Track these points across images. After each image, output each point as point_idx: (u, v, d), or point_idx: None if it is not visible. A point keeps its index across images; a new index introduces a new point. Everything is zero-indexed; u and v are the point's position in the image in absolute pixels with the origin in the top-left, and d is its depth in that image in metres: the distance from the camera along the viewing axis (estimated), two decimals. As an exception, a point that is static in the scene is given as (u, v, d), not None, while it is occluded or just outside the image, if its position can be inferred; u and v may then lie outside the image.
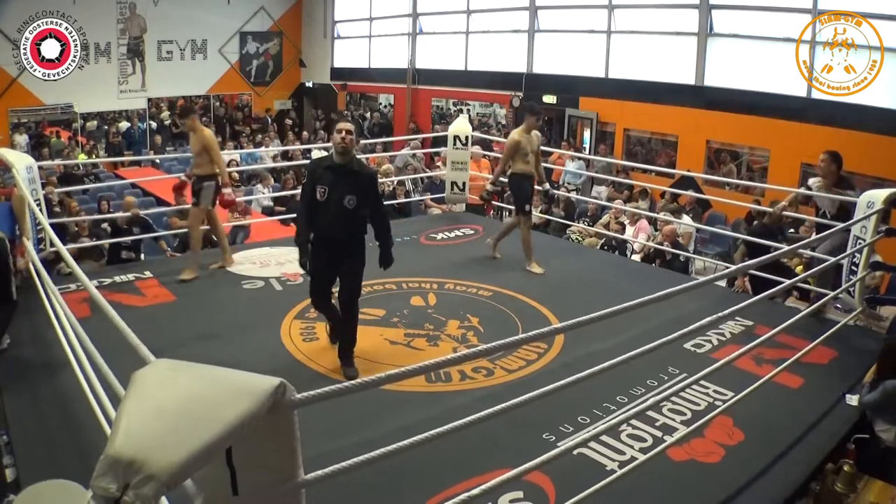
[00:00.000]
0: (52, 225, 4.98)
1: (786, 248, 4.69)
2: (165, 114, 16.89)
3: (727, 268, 5.42)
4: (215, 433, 1.42)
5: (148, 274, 5.82)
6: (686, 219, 8.42)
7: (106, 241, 7.00)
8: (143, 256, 7.04)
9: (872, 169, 8.06)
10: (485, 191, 6.54)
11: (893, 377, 3.77)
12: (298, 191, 9.35)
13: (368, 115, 16.45)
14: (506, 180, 6.37)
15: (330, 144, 4.26)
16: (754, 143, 10.03)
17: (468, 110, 14.80)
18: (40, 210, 5.21)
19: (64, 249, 3.58)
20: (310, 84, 18.14)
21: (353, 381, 1.93)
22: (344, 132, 4.00)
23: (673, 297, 2.92)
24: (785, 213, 5.77)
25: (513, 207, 9.85)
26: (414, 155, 11.38)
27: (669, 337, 2.89)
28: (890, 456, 3.64)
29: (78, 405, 3.41)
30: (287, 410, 1.65)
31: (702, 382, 3.83)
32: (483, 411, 2.35)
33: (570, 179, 10.84)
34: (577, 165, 10.86)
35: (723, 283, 6.63)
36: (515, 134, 6.14)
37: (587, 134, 12.29)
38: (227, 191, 5.83)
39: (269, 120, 17.02)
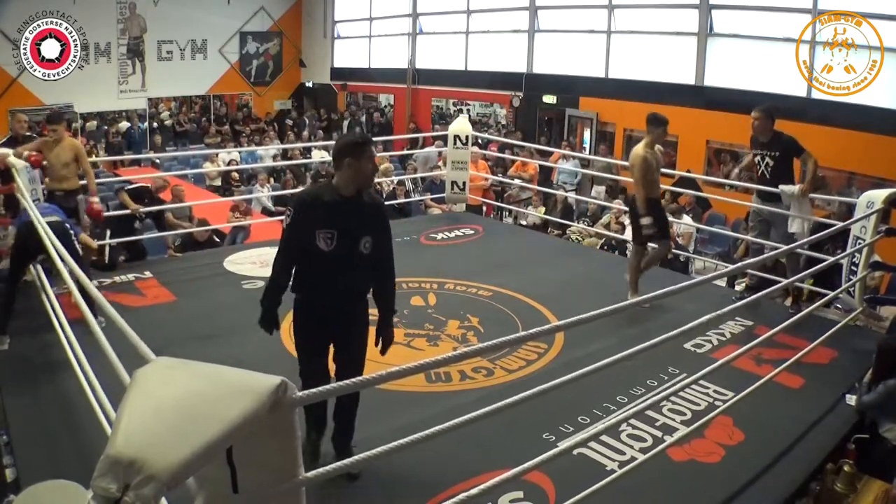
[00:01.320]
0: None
1: (783, 247, 4.68)
2: (165, 114, 16.88)
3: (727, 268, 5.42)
4: (216, 432, 1.42)
5: (148, 274, 5.82)
6: (686, 219, 8.42)
7: (107, 242, 6.97)
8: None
9: (873, 169, 8.07)
10: (646, 227, 5.26)
11: (891, 377, 3.77)
12: (299, 190, 9.48)
13: (364, 118, 16.38)
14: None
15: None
16: (754, 144, 10.02)
17: (468, 110, 14.80)
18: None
19: (64, 249, 3.57)
20: (310, 84, 18.14)
21: (352, 380, 1.92)
22: (376, 166, 3.13)
23: (671, 297, 2.92)
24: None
25: (516, 210, 9.97)
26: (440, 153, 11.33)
27: (668, 334, 2.88)
28: (892, 456, 3.64)
29: (78, 405, 3.41)
30: (288, 409, 1.65)
31: (702, 382, 3.83)
32: (483, 411, 2.35)
33: (566, 179, 10.84)
34: (572, 164, 10.84)
35: (723, 284, 6.64)
36: (641, 149, 5.17)
37: (587, 134, 12.28)
38: (95, 199, 5.38)
39: (304, 118, 16.95)
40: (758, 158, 5.40)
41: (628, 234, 8.18)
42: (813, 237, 4.58)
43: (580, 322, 2.51)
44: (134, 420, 1.43)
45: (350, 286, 3.06)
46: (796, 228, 5.21)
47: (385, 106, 16.85)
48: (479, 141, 10.69)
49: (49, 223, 4.48)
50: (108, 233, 6.12)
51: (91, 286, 2.94)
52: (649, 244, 5.51)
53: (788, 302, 5.64)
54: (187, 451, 1.38)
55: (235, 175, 11.35)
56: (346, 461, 2.04)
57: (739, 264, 5.00)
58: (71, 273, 3.42)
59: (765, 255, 4.70)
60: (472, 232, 7.47)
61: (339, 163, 2.99)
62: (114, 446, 1.37)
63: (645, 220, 5.23)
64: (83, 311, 3.10)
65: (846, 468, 3.33)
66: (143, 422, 1.43)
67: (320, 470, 1.90)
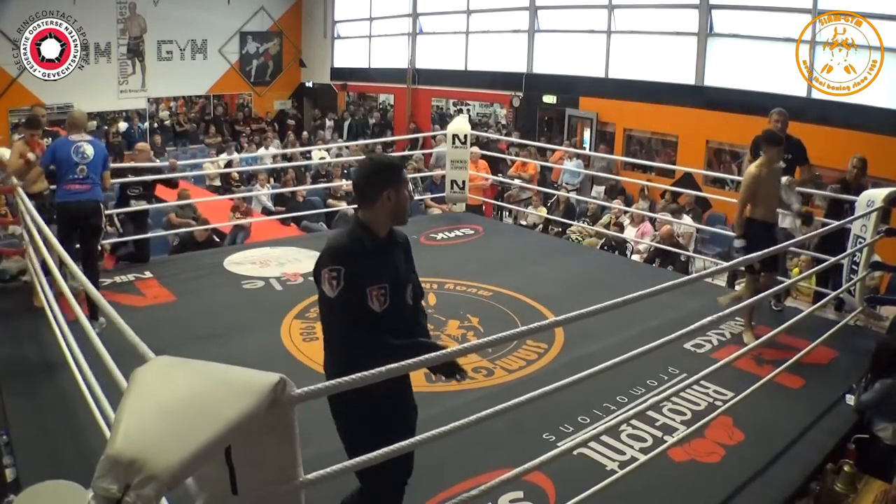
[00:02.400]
0: None
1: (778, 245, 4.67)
2: (165, 114, 16.89)
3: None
4: (216, 432, 1.42)
5: (148, 274, 5.82)
6: (686, 219, 8.42)
7: (109, 242, 6.95)
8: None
9: (873, 169, 8.05)
10: (736, 251, 4.83)
11: (888, 376, 3.78)
12: (299, 189, 9.45)
13: (374, 121, 16.32)
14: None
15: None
16: (754, 143, 10.02)
17: (468, 110, 14.80)
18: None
19: (62, 251, 3.57)
20: (310, 84, 18.14)
21: (351, 377, 1.91)
22: (411, 193, 2.48)
23: (672, 295, 2.92)
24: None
25: (523, 210, 9.92)
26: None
27: (669, 337, 2.88)
28: (890, 456, 3.64)
29: (78, 405, 3.41)
30: (287, 407, 1.64)
31: (702, 382, 3.83)
32: (483, 411, 2.35)
33: (568, 179, 10.85)
34: (575, 164, 10.85)
35: (723, 284, 6.64)
36: (754, 168, 4.79)
37: (587, 134, 12.28)
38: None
39: (326, 120, 16.88)
40: None
41: (628, 234, 8.20)
42: (815, 232, 4.58)
43: (577, 317, 2.52)
44: (134, 420, 1.43)
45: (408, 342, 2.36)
46: (789, 224, 5.24)
47: (385, 106, 16.85)
48: (479, 140, 10.69)
49: (85, 201, 4.63)
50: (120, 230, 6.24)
51: (90, 286, 2.94)
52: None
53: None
54: (187, 451, 1.37)
55: (235, 175, 11.35)
56: (347, 463, 2.03)
57: (736, 261, 4.98)
58: (61, 268, 3.42)
59: (761, 252, 4.69)
60: (472, 232, 7.46)
61: (375, 196, 2.29)
62: (114, 446, 1.37)
63: (737, 243, 4.80)
64: (77, 314, 3.10)
65: (846, 468, 3.33)
66: (143, 421, 1.43)
67: (320, 472, 1.89)
